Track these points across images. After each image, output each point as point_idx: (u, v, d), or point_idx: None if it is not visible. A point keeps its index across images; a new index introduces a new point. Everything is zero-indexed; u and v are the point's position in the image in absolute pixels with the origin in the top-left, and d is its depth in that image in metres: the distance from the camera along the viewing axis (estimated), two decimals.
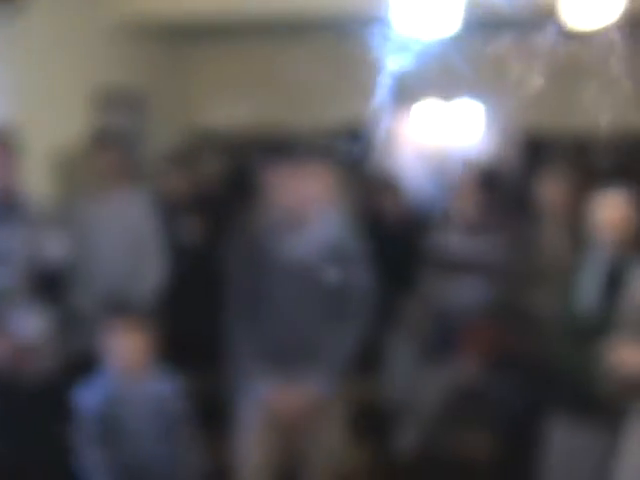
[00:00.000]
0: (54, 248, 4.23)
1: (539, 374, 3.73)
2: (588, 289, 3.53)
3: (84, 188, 4.95)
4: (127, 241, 4.65)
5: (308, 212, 3.75)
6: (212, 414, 3.92)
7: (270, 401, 3.68)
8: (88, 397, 3.57)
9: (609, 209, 3.60)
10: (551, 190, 4.58)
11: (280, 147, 4.81)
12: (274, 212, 3.82)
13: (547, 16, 3.73)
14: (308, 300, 3.64)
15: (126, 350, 3.56)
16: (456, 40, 3.92)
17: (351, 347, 3.72)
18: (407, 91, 4.09)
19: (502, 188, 5.33)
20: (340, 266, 3.66)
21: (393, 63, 3.78)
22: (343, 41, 4.24)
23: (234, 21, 6.14)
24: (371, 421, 4.80)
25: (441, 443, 4.69)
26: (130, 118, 6.12)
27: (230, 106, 6.68)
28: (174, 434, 3.61)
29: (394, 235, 5.12)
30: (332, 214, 3.87)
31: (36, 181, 4.68)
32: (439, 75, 3.79)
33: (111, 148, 4.82)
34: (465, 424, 4.62)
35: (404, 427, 4.73)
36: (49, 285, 4.17)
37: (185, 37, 6.94)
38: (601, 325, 3.39)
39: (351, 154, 5.91)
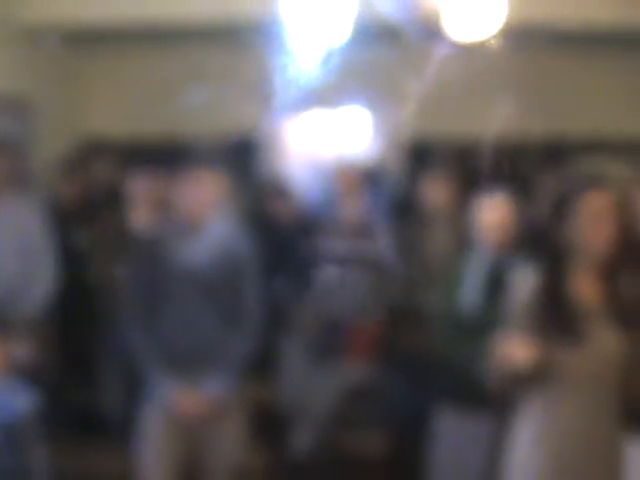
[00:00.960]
0: None
1: (428, 371, 3.85)
2: (472, 289, 3.68)
3: None
4: (16, 248, 4.59)
5: (200, 219, 3.80)
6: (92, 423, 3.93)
7: (171, 405, 3.71)
8: None
9: (489, 211, 3.75)
10: (435, 193, 4.71)
11: (172, 154, 4.85)
12: (168, 219, 3.86)
13: (432, 27, 3.88)
14: (203, 306, 3.70)
15: None
16: (344, 49, 4.02)
17: (247, 351, 3.80)
18: (297, 98, 4.17)
19: (387, 192, 5.45)
20: (232, 271, 3.74)
21: (284, 70, 3.86)
22: (235, 49, 4.30)
23: (126, 29, 6.12)
24: (268, 423, 4.85)
25: (336, 443, 4.78)
26: (19, 124, 6.03)
27: (122, 113, 6.67)
28: (21, 448, 3.59)
29: (285, 239, 5.18)
30: (224, 220, 3.93)
31: None
32: (328, 82, 3.89)
33: (2, 154, 4.76)
34: (358, 423, 4.72)
35: (300, 428, 4.80)
36: None
37: (76, 44, 6.87)
38: (485, 323, 3.52)
39: (243, 160, 5.97)
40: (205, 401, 3.71)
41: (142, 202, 4.50)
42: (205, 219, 3.81)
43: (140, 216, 4.48)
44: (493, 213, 3.76)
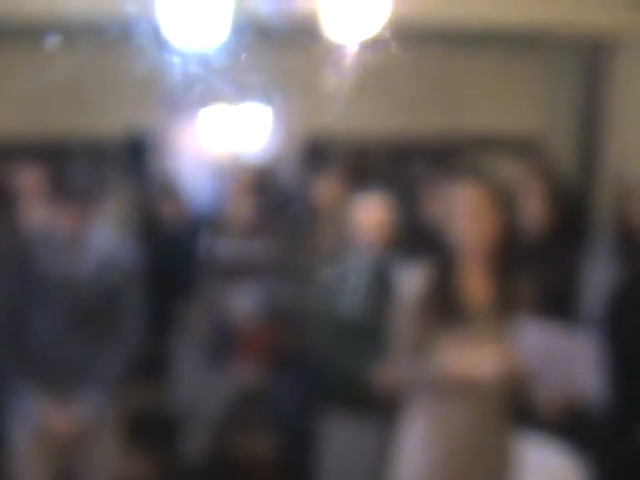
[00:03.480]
0: None
1: (313, 374, 3.84)
2: (353, 289, 3.67)
3: None
4: None
5: (77, 227, 3.68)
6: None
7: (39, 421, 3.60)
8: None
9: (367, 211, 3.76)
10: (326, 193, 4.71)
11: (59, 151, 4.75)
12: (41, 228, 3.75)
13: (316, 26, 3.87)
14: (77, 318, 3.58)
15: None
16: (235, 48, 3.98)
17: (123, 363, 3.67)
18: (187, 97, 4.13)
19: (277, 191, 5.44)
20: (111, 282, 3.64)
21: (175, 70, 3.81)
22: (126, 48, 4.22)
23: (10, 23, 5.98)
24: (158, 426, 4.80)
25: (227, 446, 4.75)
26: None
27: (6, 112, 6.50)
28: None
29: (173, 240, 5.13)
30: (103, 227, 3.84)
31: None
32: (219, 80, 3.85)
33: None
34: (249, 426, 4.70)
35: (191, 432, 4.75)
36: None
37: None
38: (367, 323, 3.53)
39: (133, 160, 5.89)
40: (77, 418, 3.59)
41: (31, 197, 4.37)
42: (82, 228, 3.68)
43: (28, 212, 4.35)
44: (371, 213, 3.76)
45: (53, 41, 6.39)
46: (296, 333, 4.07)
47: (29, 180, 4.29)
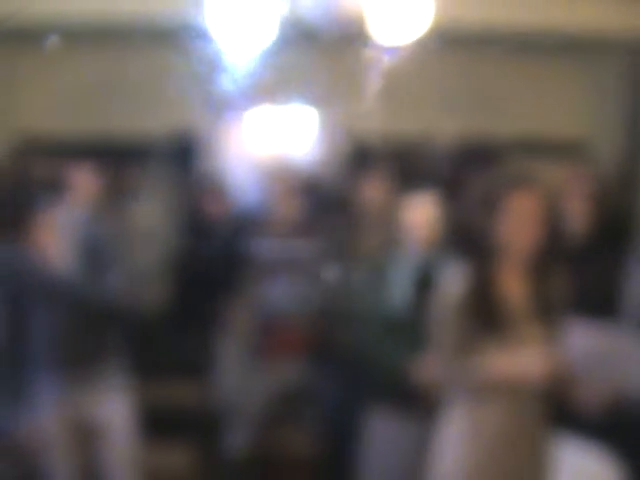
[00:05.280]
0: None
1: (357, 372, 3.87)
2: (400, 289, 3.71)
3: None
4: None
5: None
6: None
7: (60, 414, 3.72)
8: None
9: (415, 211, 3.79)
10: (371, 194, 4.74)
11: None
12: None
13: (358, 30, 3.91)
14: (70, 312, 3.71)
15: None
16: (282, 49, 4.04)
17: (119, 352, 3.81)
18: (237, 98, 4.18)
19: (322, 192, 5.48)
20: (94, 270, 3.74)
21: (223, 71, 3.87)
22: (174, 49, 4.29)
23: (61, 27, 6.07)
24: (201, 423, 4.86)
25: (268, 442, 4.80)
26: None
27: (58, 112, 6.61)
28: None
29: (218, 240, 5.19)
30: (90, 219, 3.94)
31: None
32: (267, 82, 3.90)
33: None
34: (290, 423, 4.75)
35: (233, 428, 4.80)
36: None
37: (11, 42, 6.80)
38: (413, 323, 3.55)
39: (180, 159, 5.96)
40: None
41: (82, 195, 4.46)
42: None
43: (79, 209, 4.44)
44: (419, 213, 3.79)
45: (102, 41, 6.49)
46: (339, 331, 4.10)
47: (81, 178, 4.38)
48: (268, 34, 3.73)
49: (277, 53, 4.02)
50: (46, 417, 3.76)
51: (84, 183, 4.39)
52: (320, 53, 3.80)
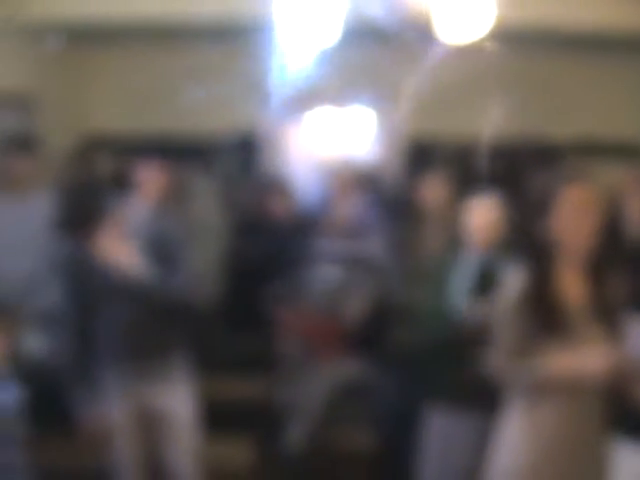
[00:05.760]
0: None
1: (417, 369, 3.89)
2: (461, 288, 3.72)
3: None
4: (36, 242, 4.64)
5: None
6: None
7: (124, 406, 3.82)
8: None
9: (478, 213, 3.80)
10: (431, 194, 4.75)
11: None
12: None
13: (424, 28, 3.92)
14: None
15: None
16: (340, 49, 4.07)
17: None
18: (298, 98, 4.22)
19: (382, 192, 5.50)
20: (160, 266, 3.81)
21: (286, 71, 3.91)
22: (235, 47, 4.35)
23: (127, 27, 6.17)
24: (262, 419, 4.92)
25: (328, 439, 4.83)
26: (22, 121, 6.10)
27: (123, 110, 6.72)
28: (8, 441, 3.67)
29: (280, 238, 5.24)
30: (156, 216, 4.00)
31: None
32: (328, 82, 3.94)
33: (23, 153, 4.84)
34: (349, 420, 4.77)
35: (293, 424, 4.85)
36: None
37: (79, 41, 6.92)
38: (473, 321, 3.57)
39: (242, 158, 6.02)
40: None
41: (150, 192, 4.54)
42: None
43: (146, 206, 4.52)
44: (482, 215, 3.80)
45: (168, 41, 6.59)
46: (399, 330, 4.13)
47: (148, 175, 4.45)
48: (331, 33, 3.77)
49: (340, 52, 4.06)
50: (112, 406, 3.85)
51: (151, 180, 4.47)
52: (382, 52, 3.83)
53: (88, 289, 3.85)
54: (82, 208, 3.86)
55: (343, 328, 4.74)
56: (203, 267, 4.60)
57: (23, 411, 3.65)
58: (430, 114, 4.80)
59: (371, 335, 4.51)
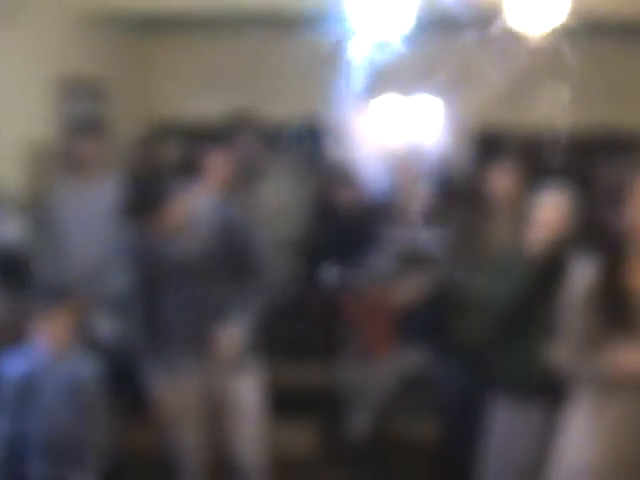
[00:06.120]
0: (9, 231, 4.33)
1: (482, 361, 3.87)
2: (526, 280, 3.68)
3: (59, 176, 5.02)
4: (104, 227, 4.70)
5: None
6: None
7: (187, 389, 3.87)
8: (11, 367, 3.74)
9: (547, 208, 3.74)
10: (499, 184, 4.70)
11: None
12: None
13: (497, 18, 3.88)
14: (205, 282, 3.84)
15: (54, 331, 3.75)
16: (413, 38, 4.05)
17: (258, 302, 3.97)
18: (366, 85, 4.21)
19: (452, 182, 5.46)
20: (233, 244, 3.85)
21: (353, 58, 3.90)
22: (305, 35, 4.35)
23: (195, 13, 6.21)
24: (326, 405, 4.94)
25: (389, 428, 4.84)
26: (92, 107, 6.18)
27: (190, 97, 6.77)
28: (86, 412, 3.77)
29: (348, 227, 5.24)
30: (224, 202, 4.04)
31: (4, 170, 4.76)
32: (397, 71, 3.92)
33: (92, 137, 4.90)
34: (412, 410, 4.77)
35: (356, 412, 4.86)
36: (4, 266, 4.27)
37: (147, 27, 7.00)
38: (539, 316, 3.52)
39: (308, 146, 6.02)
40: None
41: (217, 178, 4.56)
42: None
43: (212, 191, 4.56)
44: (552, 208, 3.74)
45: (235, 28, 6.62)
46: (464, 321, 4.10)
47: (215, 161, 4.48)
48: (403, 21, 3.75)
49: (410, 40, 4.04)
50: (181, 388, 3.89)
51: (218, 167, 4.50)
52: (453, 40, 3.80)
53: (154, 274, 3.89)
54: (149, 194, 3.89)
55: (405, 317, 4.73)
56: (272, 253, 4.61)
57: (100, 384, 3.75)
58: (500, 104, 4.75)
59: (434, 325, 4.49)
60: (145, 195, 3.92)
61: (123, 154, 5.84)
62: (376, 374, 4.79)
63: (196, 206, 3.89)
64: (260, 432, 4.06)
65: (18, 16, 5.14)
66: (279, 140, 5.96)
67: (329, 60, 3.98)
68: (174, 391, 3.89)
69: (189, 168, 4.51)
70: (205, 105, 6.60)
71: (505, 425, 3.73)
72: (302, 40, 4.34)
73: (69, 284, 4.21)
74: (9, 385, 3.73)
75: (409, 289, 4.78)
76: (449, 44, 3.71)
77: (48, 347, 3.75)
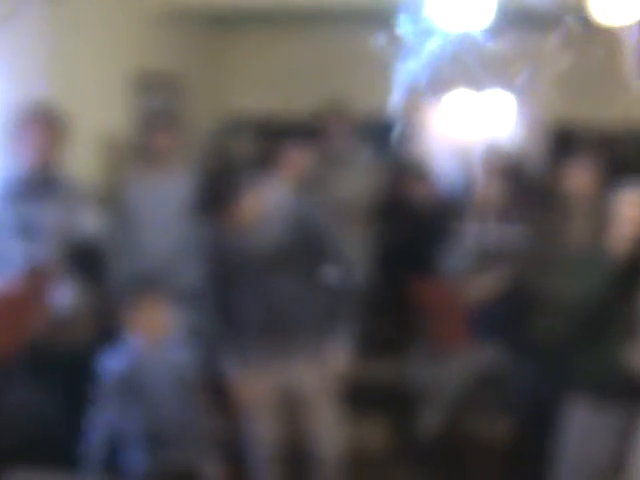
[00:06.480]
0: (89, 224, 4.39)
1: (558, 359, 3.81)
2: (605, 281, 3.61)
3: (134, 169, 5.09)
4: (178, 221, 4.74)
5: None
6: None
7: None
8: (111, 363, 3.79)
9: (629, 207, 3.66)
10: (576, 180, 4.64)
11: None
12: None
13: (576, 11, 3.82)
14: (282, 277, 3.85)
15: (149, 322, 3.82)
16: (491, 32, 4.00)
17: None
18: (438, 80, 4.18)
19: (527, 179, 5.40)
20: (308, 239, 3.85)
21: (424, 53, 3.87)
22: (375, 30, 4.34)
23: (269, 9, 6.24)
24: (399, 402, 4.94)
25: (461, 426, 4.81)
26: (167, 102, 6.24)
27: (263, 92, 6.81)
28: (190, 400, 3.80)
29: (421, 222, 5.22)
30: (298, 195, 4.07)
31: (81, 162, 4.84)
32: (470, 65, 3.88)
33: (167, 130, 4.95)
34: (484, 407, 4.73)
35: (428, 409, 4.84)
36: (84, 259, 4.32)
37: (222, 23, 7.04)
38: (616, 316, 3.46)
39: (382, 142, 6.01)
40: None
41: (291, 172, 4.57)
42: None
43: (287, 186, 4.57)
44: (632, 206, 3.67)
45: (306, 24, 6.64)
46: (539, 320, 4.05)
47: (290, 155, 4.49)
48: (479, 16, 3.70)
49: (487, 35, 3.99)
50: (259, 380, 3.91)
51: (292, 160, 4.51)
52: (530, 35, 3.75)
53: (228, 269, 3.91)
54: (223, 188, 3.91)
55: (479, 313, 4.69)
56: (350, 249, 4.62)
57: (195, 371, 3.79)
58: (577, 99, 4.69)
59: (509, 322, 4.45)
60: (219, 189, 3.92)
61: (198, 148, 5.89)
62: (449, 371, 4.76)
63: (270, 200, 3.90)
64: (337, 429, 4.05)
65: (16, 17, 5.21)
66: (356, 134, 5.96)
67: (406, 54, 3.96)
68: (250, 382, 3.91)
69: (265, 162, 4.53)
70: (278, 100, 6.64)
71: (582, 425, 3.67)
72: (378, 34, 4.33)
73: (153, 275, 4.28)
74: (111, 379, 3.77)
75: (483, 285, 4.74)
76: (526, 38, 3.66)
77: (145, 338, 3.80)
